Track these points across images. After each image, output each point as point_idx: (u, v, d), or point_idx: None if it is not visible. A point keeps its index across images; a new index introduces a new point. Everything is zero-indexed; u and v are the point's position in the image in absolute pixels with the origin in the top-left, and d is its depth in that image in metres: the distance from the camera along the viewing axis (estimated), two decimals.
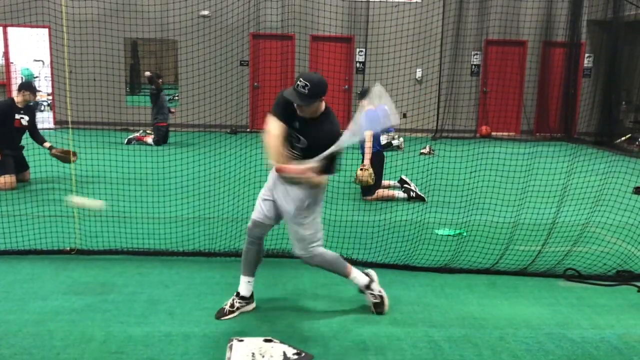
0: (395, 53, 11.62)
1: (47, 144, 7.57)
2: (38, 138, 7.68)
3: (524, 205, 6.09)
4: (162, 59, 14.75)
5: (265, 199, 3.88)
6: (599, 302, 4.37)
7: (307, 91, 3.47)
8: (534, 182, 7.28)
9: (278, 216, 3.91)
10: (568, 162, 8.70)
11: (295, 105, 3.56)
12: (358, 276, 4.03)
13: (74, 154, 6.81)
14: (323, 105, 3.67)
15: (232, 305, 3.96)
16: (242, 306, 3.98)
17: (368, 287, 4.04)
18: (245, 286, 3.99)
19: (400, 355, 3.48)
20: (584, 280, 4.76)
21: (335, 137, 3.59)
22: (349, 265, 4.03)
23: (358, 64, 14.64)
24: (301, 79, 3.50)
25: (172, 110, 12.28)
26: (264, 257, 5.12)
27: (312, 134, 3.61)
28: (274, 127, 3.59)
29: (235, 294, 4.00)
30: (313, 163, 3.53)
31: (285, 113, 3.60)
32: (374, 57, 14.01)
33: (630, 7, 12.61)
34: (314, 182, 3.59)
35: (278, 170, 3.60)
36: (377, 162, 7.36)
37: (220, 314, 3.93)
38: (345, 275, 4.01)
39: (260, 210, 3.89)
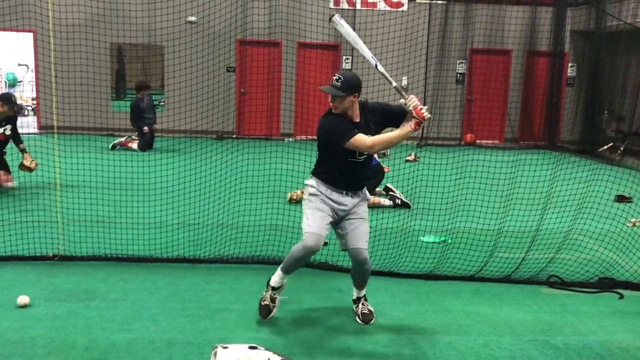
0: (381, 61, 11.68)
1: (22, 146, 7.57)
2: (16, 140, 7.66)
3: (508, 213, 6.13)
4: (148, 64, 14.69)
5: (329, 217, 3.86)
6: (582, 309, 4.41)
7: (340, 84, 3.67)
8: (518, 190, 7.34)
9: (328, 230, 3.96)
10: (551, 170, 8.81)
11: (330, 102, 3.72)
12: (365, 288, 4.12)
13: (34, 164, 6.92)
14: (358, 108, 3.79)
15: (273, 300, 3.99)
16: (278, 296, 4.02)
17: (365, 298, 4.10)
18: (281, 281, 3.98)
19: None
20: (567, 287, 4.81)
21: (379, 105, 3.88)
22: None
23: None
24: (336, 74, 3.74)
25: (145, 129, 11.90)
26: (249, 263, 5.14)
27: (371, 127, 3.79)
28: (365, 136, 3.67)
29: (270, 289, 3.98)
30: (408, 100, 3.66)
31: (351, 129, 3.68)
32: (360, 64, 14.05)
33: (611, 18, 12.80)
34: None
35: (419, 124, 3.63)
36: (380, 174, 7.53)
37: (267, 311, 3.96)
38: (367, 283, 4.06)
39: (327, 228, 3.86)
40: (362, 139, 3.65)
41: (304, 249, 3.75)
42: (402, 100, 3.71)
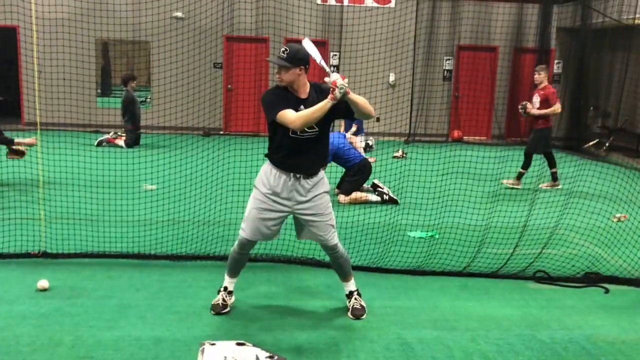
0: (368, 57, 11.69)
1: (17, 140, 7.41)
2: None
3: (496, 209, 6.17)
4: (134, 60, 14.57)
5: (275, 216, 3.83)
6: (568, 304, 4.44)
7: (285, 55, 3.69)
8: (505, 186, 7.41)
9: (280, 229, 3.96)
10: (538, 166, 8.87)
11: (276, 75, 3.74)
12: (353, 280, 4.12)
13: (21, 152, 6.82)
14: (308, 84, 3.80)
15: (224, 300, 4.02)
16: (230, 299, 4.08)
17: (358, 292, 4.10)
18: (231, 284, 4.09)
19: (373, 357, 3.49)
20: (553, 282, 4.84)
21: (329, 87, 3.75)
22: None
23: (332, 68, 14.66)
24: (284, 46, 3.75)
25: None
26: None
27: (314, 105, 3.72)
28: (291, 112, 3.63)
29: (223, 289, 4.05)
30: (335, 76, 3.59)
31: (288, 104, 3.68)
32: (347, 60, 14.05)
33: (597, 15, 12.89)
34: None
35: (334, 93, 3.53)
36: (367, 169, 7.49)
37: (217, 309, 3.99)
38: (350, 276, 4.08)
39: (268, 225, 3.85)
40: (287, 114, 3.61)
41: (239, 247, 3.94)
42: (326, 79, 3.63)
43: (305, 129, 3.70)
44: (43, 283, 4.27)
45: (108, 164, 7.29)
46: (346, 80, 3.58)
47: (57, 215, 5.92)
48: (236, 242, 3.96)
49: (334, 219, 3.95)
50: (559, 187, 8.62)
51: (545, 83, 8.86)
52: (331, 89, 3.55)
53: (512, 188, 8.57)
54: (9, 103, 13.88)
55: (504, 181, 8.65)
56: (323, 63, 3.76)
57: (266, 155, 3.92)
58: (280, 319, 3.98)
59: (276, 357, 3.33)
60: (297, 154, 3.77)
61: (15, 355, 3.35)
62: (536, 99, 8.84)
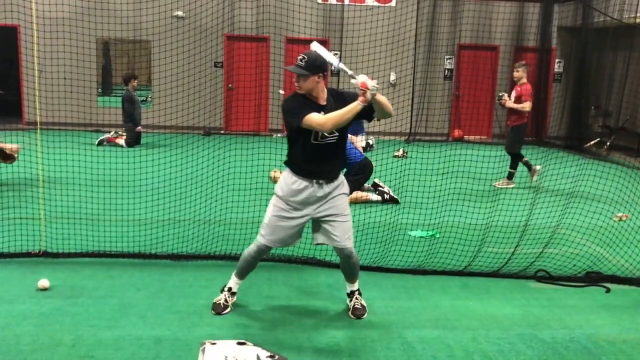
0: (369, 56, 11.68)
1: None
2: None
3: (496, 208, 6.16)
4: (134, 59, 14.56)
5: (293, 225, 3.83)
6: (569, 303, 4.44)
7: (303, 63, 3.67)
8: (499, 188, 7.41)
9: (300, 235, 3.96)
10: (539, 165, 8.86)
11: (295, 82, 3.72)
12: (357, 281, 4.12)
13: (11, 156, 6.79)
14: (325, 90, 3.80)
15: (226, 301, 4.01)
16: (232, 300, 4.07)
17: (359, 292, 4.10)
18: (237, 285, 4.08)
19: (374, 357, 3.48)
20: (554, 281, 4.83)
21: (346, 92, 3.88)
22: None
23: (333, 67, 14.66)
24: (301, 54, 3.72)
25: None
26: (237, 260, 5.10)
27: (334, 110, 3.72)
28: (318, 115, 3.64)
29: (227, 289, 4.04)
30: (357, 79, 3.61)
31: (308, 108, 3.67)
32: (348, 59, 14.01)
33: (598, 14, 12.88)
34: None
35: (365, 96, 3.55)
36: (368, 169, 7.49)
37: (219, 309, 3.97)
38: (357, 275, 4.08)
39: (290, 234, 3.85)
40: (314, 117, 3.60)
41: (255, 253, 3.92)
42: (352, 81, 3.63)
43: (326, 135, 3.71)
44: (43, 282, 4.27)
45: (109, 163, 7.29)
46: (375, 81, 3.60)
47: (58, 215, 5.92)
48: (253, 247, 3.91)
49: (352, 223, 3.93)
50: (512, 186, 8.72)
51: (524, 80, 8.96)
52: (362, 92, 3.56)
53: (507, 188, 8.60)
54: (9, 102, 13.86)
55: (497, 184, 8.69)
56: (342, 66, 3.76)
57: (285, 163, 3.90)
58: (281, 319, 3.97)
59: (277, 357, 3.33)
60: (319, 160, 3.78)
61: (16, 354, 3.35)
62: (513, 94, 8.99)
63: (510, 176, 8.84)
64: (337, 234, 3.81)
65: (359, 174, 7.59)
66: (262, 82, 13.81)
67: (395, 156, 11.07)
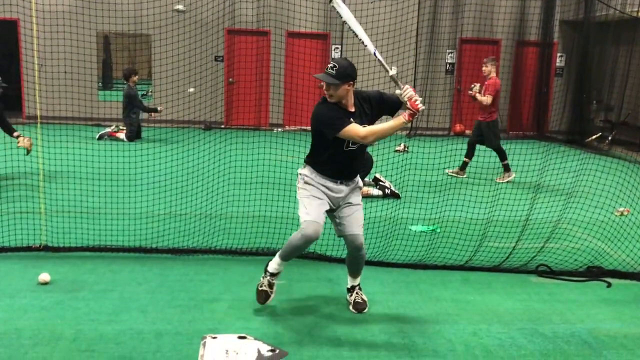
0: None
1: (16, 134, 7.31)
2: (7, 127, 7.40)
3: (497, 202, 6.15)
4: (135, 53, 14.52)
5: (324, 205, 3.85)
6: (570, 298, 4.43)
7: (334, 72, 3.62)
8: (500, 183, 7.41)
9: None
10: (540, 160, 8.84)
11: (324, 90, 3.69)
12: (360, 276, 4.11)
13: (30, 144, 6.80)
14: (353, 96, 3.77)
15: (270, 285, 3.92)
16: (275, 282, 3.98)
17: (359, 287, 4.09)
18: (279, 267, 3.90)
19: (375, 351, 3.48)
20: (555, 276, 4.83)
21: (374, 95, 3.86)
22: None
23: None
24: (331, 61, 3.68)
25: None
26: (238, 254, 5.10)
27: (366, 117, 3.79)
28: (359, 126, 3.65)
29: (268, 275, 3.91)
30: (403, 91, 3.65)
31: (344, 118, 3.66)
32: (349, 53, 13.98)
33: (601, 7, 12.81)
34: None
35: (413, 115, 3.65)
36: (369, 163, 7.50)
37: (265, 297, 3.91)
38: (361, 271, 4.06)
39: (322, 217, 3.81)
40: (355, 129, 3.63)
41: (303, 237, 3.72)
42: (397, 91, 3.69)
43: (350, 143, 3.72)
44: (44, 276, 4.27)
45: (109, 157, 7.28)
46: (420, 98, 3.64)
47: (59, 209, 5.92)
48: (298, 235, 3.76)
49: (363, 215, 3.96)
50: (513, 176, 8.74)
51: (493, 74, 9.09)
52: (409, 111, 3.61)
53: (509, 181, 8.61)
54: (9, 96, 13.83)
55: (498, 179, 8.69)
56: (379, 55, 3.83)
57: (307, 162, 3.92)
58: (281, 313, 3.97)
59: (278, 351, 3.33)
60: (343, 166, 3.83)
61: (17, 348, 3.35)
62: (482, 89, 9.10)
63: (506, 168, 8.86)
64: (355, 223, 3.85)
65: (362, 167, 7.58)
66: (262, 76, 13.78)
67: (396, 151, 11.03)
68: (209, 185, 6.34)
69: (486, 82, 9.03)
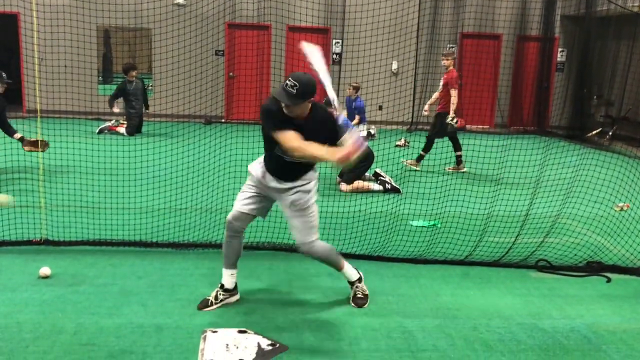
0: (371, 45, 11.63)
1: (17, 135, 7.29)
2: (8, 129, 7.38)
3: (498, 197, 6.15)
4: (135, 47, 14.49)
5: (251, 194, 3.84)
6: (570, 293, 4.44)
7: (295, 91, 3.41)
8: (507, 175, 7.38)
9: (264, 209, 3.90)
10: (541, 154, 8.84)
11: (283, 105, 3.50)
12: (349, 270, 4.06)
13: (45, 143, 6.66)
14: (309, 107, 3.60)
15: (215, 297, 3.92)
16: (226, 298, 3.95)
17: (359, 281, 4.08)
18: (228, 279, 3.94)
19: (375, 345, 3.49)
20: (555, 271, 4.84)
21: (332, 120, 3.62)
22: (342, 258, 4.05)
23: (334, 55, 14.58)
24: (290, 79, 3.43)
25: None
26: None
27: (312, 132, 3.53)
28: (295, 138, 3.45)
29: (219, 286, 3.95)
30: (351, 137, 3.37)
31: (287, 123, 3.51)
32: (350, 48, 13.97)
33: (602, 2, 12.78)
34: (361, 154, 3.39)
35: (344, 160, 3.32)
36: (369, 158, 7.49)
37: (204, 304, 3.90)
38: (339, 267, 4.02)
39: (244, 203, 3.84)
40: (289, 137, 3.44)
41: (225, 225, 3.85)
42: (345, 135, 3.42)
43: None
44: (45, 270, 4.28)
45: (110, 152, 7.28)
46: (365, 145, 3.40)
47: (59, 203, 5.92)
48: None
49: (315, 222, 3.80)
50: (464, 170, 8.83)
51: (451, 67, 9.11)
52: (345, 155, 3.28)
53: (458, 172, 8.75)
54: (10, 90, 13.82)
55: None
56: (335, 100, 3.62)
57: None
58: (282, 307, 3.98)
59: (278, 345, 3.34)
60: (282, 167, 3.72)
61: (18, 342, 3.36)
62: (441, 82, 9.18)
63: (459, 160, 8.96)
64: (292, 229, 3.82)
65: (360, 163, 7.58)
66: (263, 70, 13.76)
67: (397, 145, 11.04)
68: (209, 179, 6.34)
69: (445, 75, 9.04)
